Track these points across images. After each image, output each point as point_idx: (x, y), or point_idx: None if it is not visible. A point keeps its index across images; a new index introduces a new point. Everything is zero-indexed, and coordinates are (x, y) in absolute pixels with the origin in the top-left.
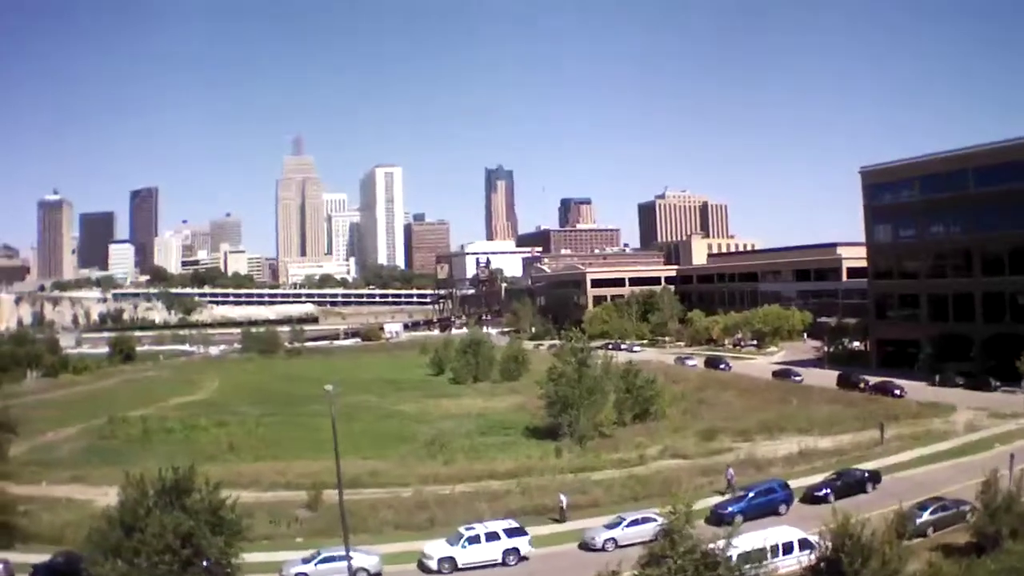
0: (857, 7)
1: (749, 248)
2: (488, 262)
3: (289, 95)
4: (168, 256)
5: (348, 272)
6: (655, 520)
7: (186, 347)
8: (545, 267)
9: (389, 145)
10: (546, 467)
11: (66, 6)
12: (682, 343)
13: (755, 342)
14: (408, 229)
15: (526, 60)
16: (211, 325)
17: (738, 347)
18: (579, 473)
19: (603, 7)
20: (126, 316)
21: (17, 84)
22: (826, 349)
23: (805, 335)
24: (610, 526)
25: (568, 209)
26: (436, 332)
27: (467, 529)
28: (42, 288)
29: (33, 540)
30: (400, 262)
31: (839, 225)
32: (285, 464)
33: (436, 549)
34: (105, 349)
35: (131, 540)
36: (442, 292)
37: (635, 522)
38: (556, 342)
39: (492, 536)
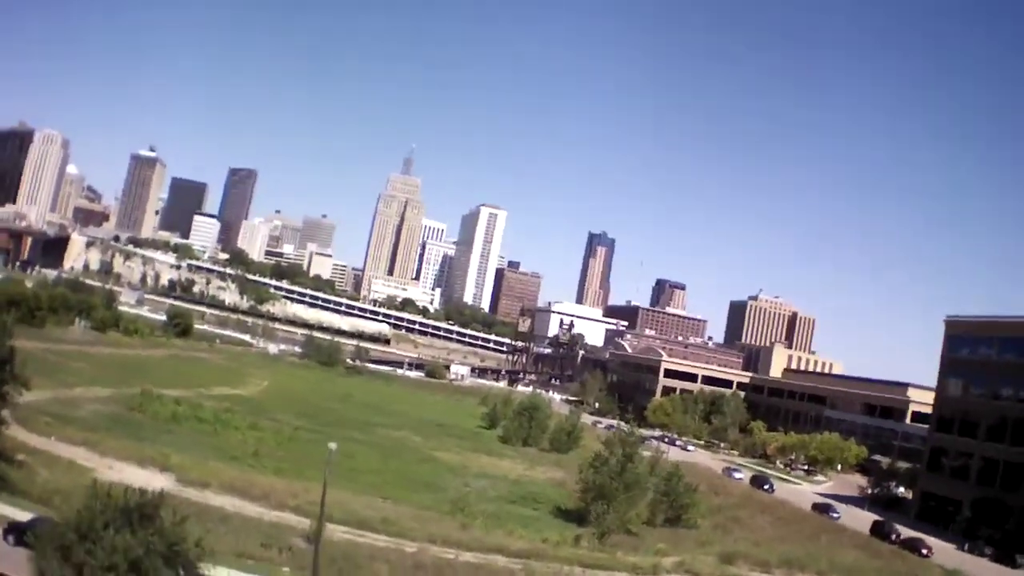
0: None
1: (828, 366)
2: (572, 325)
3: (407, 113)
4: (253, 241)
5: (431, 302)
6: None
7: (247, 337)
8: (626, 343)
9: (495, 185)
10: (559, 555)
11: None
12: (736, 452)
13: (806, 467)
14: (500, 273)
15: (647, 137)
16: (280, 320)
17: (789, 468)
18: (589, 570)
19: (725, 106)
20: (196, 289)
21: (139, 38)
22: (870, 490)
23: (856, 469)
24: None
25: (662, 290)
26: (503, 384)
27: None
28: (117, 239)
29: (22, 495)
30: (485, 304)
31: (917, 364)
32: (303, 486)
33: None
34: (163, 316)
35: (81, 548)
36: (519, 345)
37: None
38: (614, 422)
39: None
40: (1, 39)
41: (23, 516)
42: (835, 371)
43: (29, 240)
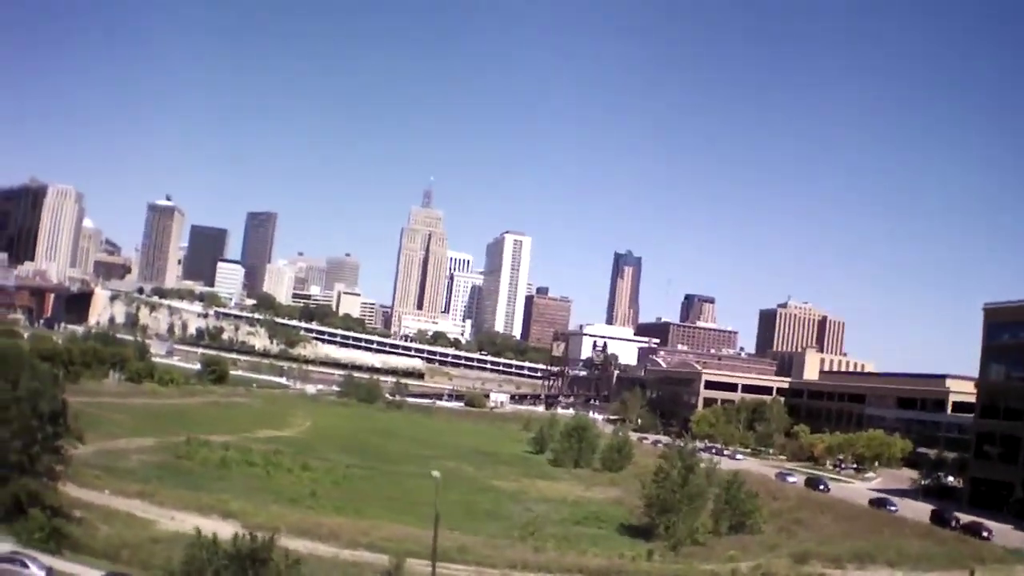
0: None
1: (860, 367)
2: (605, 346)
3: (424, 145)
4: (279, 285)
5: (463, 333)
6: None
7: (283, 379)
8: (660, 360)
9: (518, 211)
10: (638, 569)
11: (212, 22)
12: (784, 457)
13: (855, 465)
14: (529, 300)
15: (667, 155)
16: (313, 362)
17: (838, 468)
18: None
19: (737, 113)
20: (225, 336)
21: (146, 85)
22: (922, 481)
23: (902, 463)
24: None
25: (691, 305)
26: (541, 408)
27: None
28: (140, 290)
29: (84, 551)
30: (516, 332)
31: (950, 355)
32: (369, 523)
33: None
34: (196, 365)
35: None
36: (554, 369)
37: None
38: (661, 437)
39: None
40: (7, 96)
41: (92, 573)
42: (868, 370)
43: (51, 297)
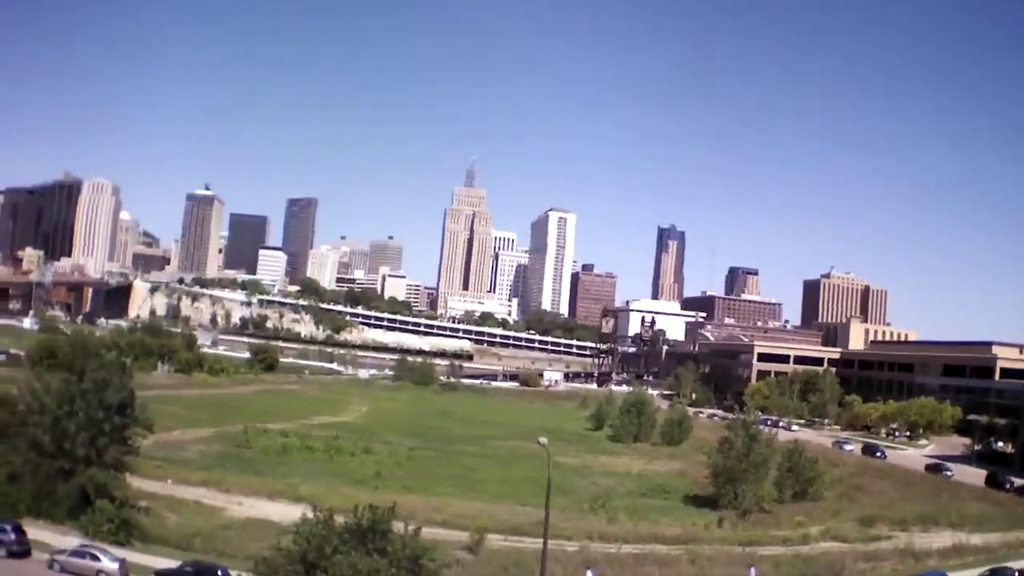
0: None
1: (903, 336)
2: (653, 322)
3: (464, 125)
4: (322, 270)
5: (510, 313)
6: None
7: (334, 365)
8: (708, 334)
9: (561, 189)
10: (712, 536)
11: (247, 9)
12: (838, 427)
13: (908, 433)
14: (575, 278)
15: (709, 128)
16: (360, 347)
17: (891, 436)
18: (746, 546)
19: (788, 84)
20: (270, 324)
21: (181, 75)
22: (975, 447)
23: (952, 430)
24: None
25: (735, 278)
26: (593, 386)
27: None
28: (181, 281)
29: (155, 541)
30: (563, 309)
31: (995, 322)
32: (440, 501)
33: None
34: (244, 354)
35: None
36: (603, 347)
37: None
38: (716, 411)
39: None
40: (40, 92)
41: (166, 563)
42: (911, 339)
43: (90, 291)
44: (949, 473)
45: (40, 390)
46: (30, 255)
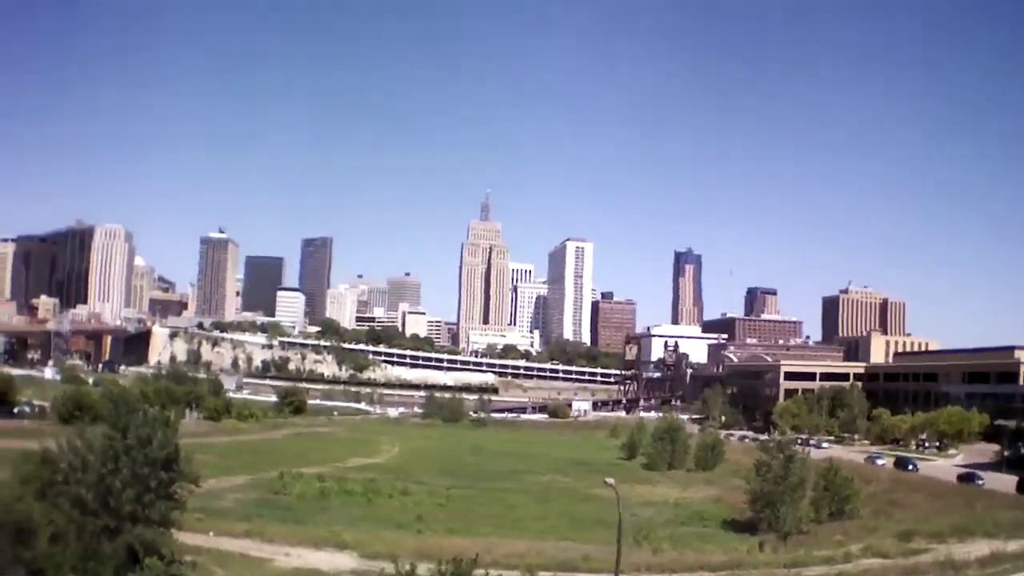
0: None
1: (925, 346)
2: (676, 346)
3: (479, 157)
4: (341, 309)
5: (532, 344)
6: None
7: (362, 405)
8: (731, 355)
9: (576, 219)
10: (757, 561)
11: (255, 53)
12: (867, 441)
13: (937, 443)
14: (595, 306)
15: (720, 149)
16: (385, 385)
17: (921, 448)
18: (791, 569)
19: (795, 98)
20: (292, 366)
21: (190, 119)
22: (1004, 453)
23: (980, 437)
24: None
25: (754, 298)
26: (622, 413)
27: None
28: (200, 326)
29: None
30: (585, 338)
31: (1017, 326)
32: (486, 541)
33: None
34: (269, 397)
35: None
36: (628, 373)
37: None
38: (746, 432)
39: None
40: (47, 140)
41: None
42: (932, 348)
43: (108, 339)
44: (981, 482)
45: (82, 447)
46: (45, 303)
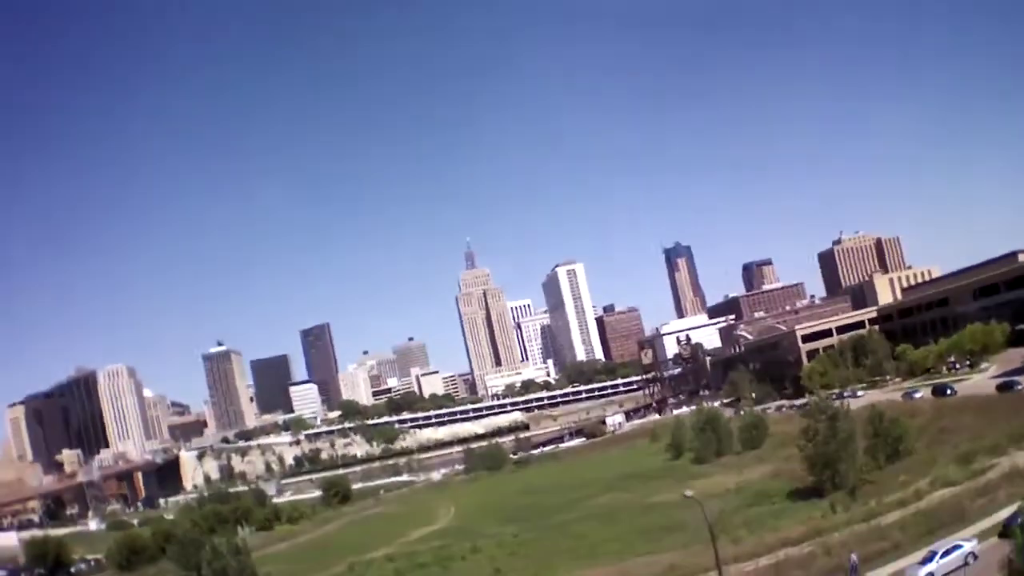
0: None
1: (928, 274)
2: (688, 339)
3: (452, 208)
4: (356, 389)
5: (548, 374)
6: (963, 546)
7: (404, 477)
8: (744, 333)
9: (559, 242)
10: (835, 523)
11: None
12: (899, 379)
13: (967, 362)
14: (600, 322)
15: (694, 133)
16: (419, 450)
17: (952, 371)
18: (870, 521)
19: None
20: (324, 455)
21: (170, 243)
22: None
23: (1005, 346)
24: (925, 561)
25: (751, 273)
26: (655, 416)
27: None
28: (225, 440)
29: None
30: (598, 354)
31: (1014, 229)
32: None
33: None
34: (312, 493)
35: None
36: (649, 376)
37: (947, 552)
38: (781, 403)
39: None
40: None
41: None
42: (936, 275)
43: (139, 475)
44: (1020, 387)
45: None
46: (69, 456)
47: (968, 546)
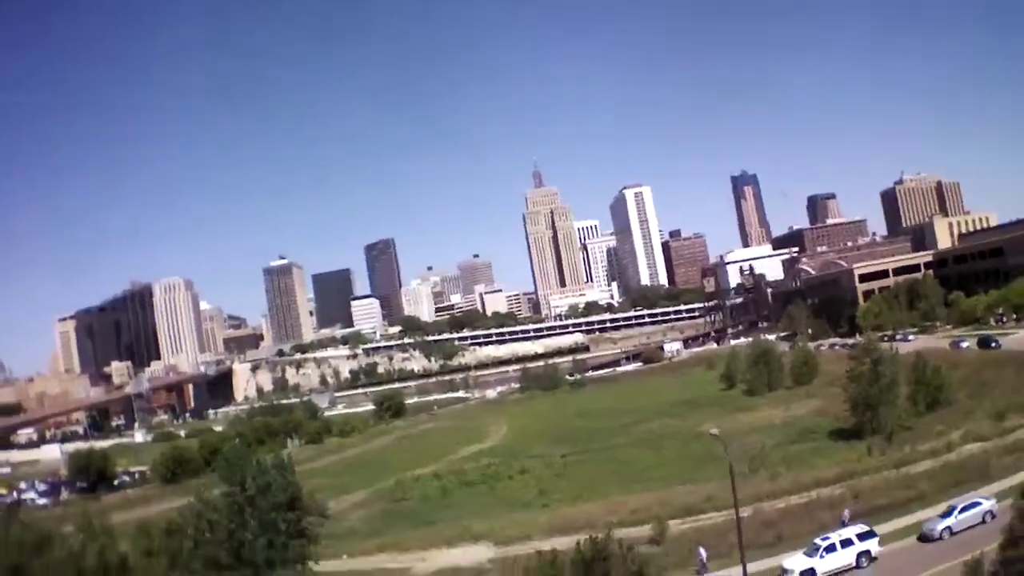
0: None
1: (986, 220)
2: (751, 269)
3: (520, 127)
4: (419, 305)
5: (612, 297)
6: (982, 504)
7: (460, 393)
8: (806, 267)
9: (627, 165)
10: (868, 467)
11: (288, 76)
12: (949, 326)
13: (1015, 316)
14: (666, 247)
15: (760, 69)
16: (477, 367)
17: (1000, 323)
18: (900, 468)
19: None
20: (381, 370)
21: (245, 153)
22: None
23: None
24: (944, 515)
25: (816, 206)
26: (713, 345)
27: (823, 539)
28: (280, 352)
29: None
30: (663, 280)
31: None
32: (611, 501)
33: (796, 563)
34: (366, 407)
35: None
36: (710, 304)
37: (966, 508)
38: (835, 340)
39: (846, 543)
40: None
41: None
42: (992, 223)
43: (190, 387)
44: None
45: (206, 510)
46: (118, 368)
47: (987, 504)
